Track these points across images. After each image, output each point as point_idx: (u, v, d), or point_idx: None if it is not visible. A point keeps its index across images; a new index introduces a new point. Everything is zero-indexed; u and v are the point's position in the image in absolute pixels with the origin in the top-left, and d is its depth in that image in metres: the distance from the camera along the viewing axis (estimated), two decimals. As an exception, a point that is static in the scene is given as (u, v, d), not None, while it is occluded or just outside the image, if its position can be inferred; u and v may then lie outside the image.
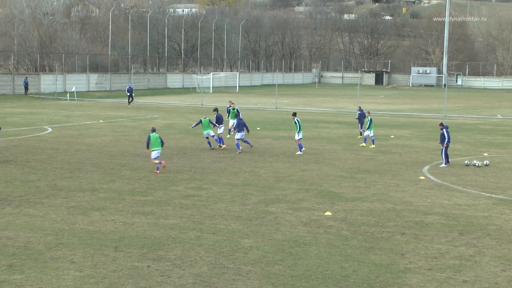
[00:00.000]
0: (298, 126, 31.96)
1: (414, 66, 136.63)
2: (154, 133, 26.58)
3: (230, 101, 41.58)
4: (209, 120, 33.20)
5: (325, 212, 19.94)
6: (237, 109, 38.83)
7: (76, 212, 19.35)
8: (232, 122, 38.73)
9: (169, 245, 16.12)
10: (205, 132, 33.05)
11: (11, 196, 21.30)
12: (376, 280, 13.98)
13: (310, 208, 20.47)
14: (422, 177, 26.48)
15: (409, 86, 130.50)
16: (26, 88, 75.54)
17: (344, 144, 36.75)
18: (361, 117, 40.21)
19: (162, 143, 26.58)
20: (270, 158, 30.98)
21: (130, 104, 64.68)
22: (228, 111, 39.47)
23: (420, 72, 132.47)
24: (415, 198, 22.35)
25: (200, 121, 32.97)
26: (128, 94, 65.03)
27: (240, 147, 32.38)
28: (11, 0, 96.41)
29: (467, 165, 29.64)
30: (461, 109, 68.09)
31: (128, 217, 18.80)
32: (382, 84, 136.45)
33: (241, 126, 32.36)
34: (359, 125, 40.57)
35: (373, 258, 15.46)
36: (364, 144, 35.84)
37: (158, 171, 26.44)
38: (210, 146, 33.39)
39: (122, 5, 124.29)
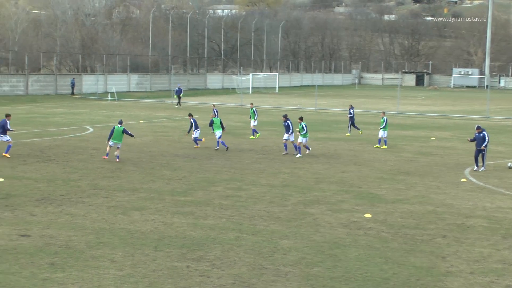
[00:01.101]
0: (305, 130, 31.29)
1: (455, 67, 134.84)
2: (120, 125, 28.60)
3: (251, 103, 43.51)
4: (220, 120, 33.67)
5: (365, 214, 19.80)
6: (254, 109, 39.97)
7: (117, 211, 19.47)
8: (253, 122, 39.37)
9: (208, 245, 16.11)
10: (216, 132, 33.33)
11: (53, 195, 21.51)
12: (416, 283, 13.83)
13: (350, 210, 20.34)
14: (463, 179, 26.17)
15: (450, 87, 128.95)
16: (73, 88, 76.51)
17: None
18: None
19: (129, 134, 29.25)
20: (310, 159, 30.87)
21: (178, 105, 64.67)
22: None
23: (462, 73, 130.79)
24: (457, 201, 22.08)
25: (212, 121, 33.27)
26: (177, 95, 65.28)
27: (287, 149, 32.36)
28: (55, 1, 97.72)
29: (510, 167, 29.20)
30: (504, 111, 67.08)
31: (168, 217, 18.84)
32: (423, 85, 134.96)
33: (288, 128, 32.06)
34: (350, 123, 41.79)
35: (414, 260, 15.29)
36: (378, 146, 35.41)
37: (107, 157, 28.95)
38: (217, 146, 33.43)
39: (163, 6, 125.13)
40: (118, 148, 28.95)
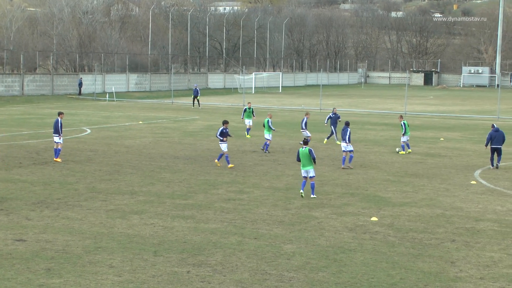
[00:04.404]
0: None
1: (465, 65, 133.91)
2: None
3: (249, 102, 42.59)
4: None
5: (371, 217, 19.57)
6: (252, 109, 39.28)
7: (115, 215, 19.23)
8: (248, 121, 38.93)
9: (209, 250, 15.93)
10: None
11: (49, 199, 21.26)
12: (425, 289, 13.64)
13: (356, 213, 20.08)
14: (473, 182, 25.83)
15: (460, 86, 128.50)
16: (81, 88, 76.04)
17: (391, 147, 35.97)
18: (334, 120, 37.41)
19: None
20: (314, 160, 30.37)
21: (199, 105, 63.33)
22: (244, 110, 39.60)
23: (472, 72, 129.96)
24: (466, 204, 21.77)
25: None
26: (194, 96, 64.30)
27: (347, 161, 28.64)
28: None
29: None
30: (515, 111, 66.54)
31: (168, 221, 18.62)
32: (432, 84, 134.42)
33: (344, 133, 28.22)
34: (333, 128, 37.27)
35: (422, 265, 15.10)
36: (409, 150, 33.96)
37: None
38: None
39: (163, 3, 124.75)
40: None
